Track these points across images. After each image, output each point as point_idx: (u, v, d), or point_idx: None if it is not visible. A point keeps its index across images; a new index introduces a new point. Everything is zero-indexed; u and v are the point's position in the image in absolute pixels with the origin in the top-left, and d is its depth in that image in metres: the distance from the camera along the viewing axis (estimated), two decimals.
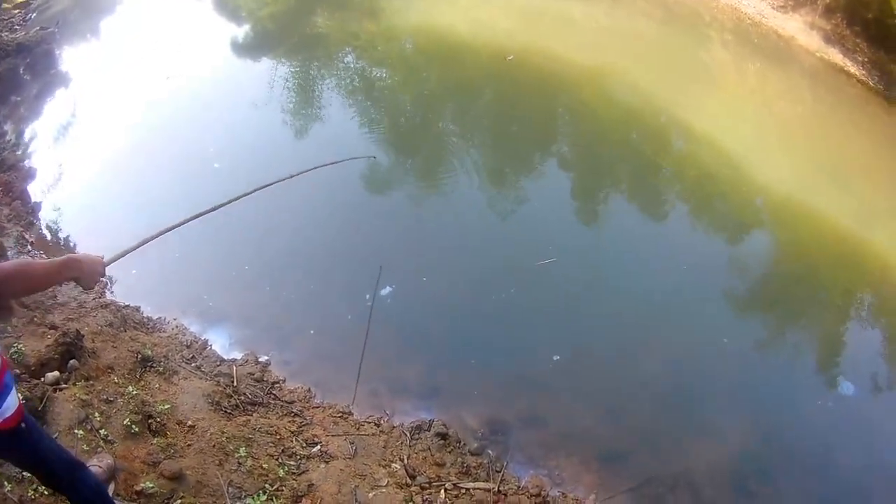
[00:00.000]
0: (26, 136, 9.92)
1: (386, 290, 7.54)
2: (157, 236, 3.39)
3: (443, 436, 5.97)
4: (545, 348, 7.23)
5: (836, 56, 15.44)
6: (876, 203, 11.53)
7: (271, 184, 4.45)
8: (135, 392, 5.04)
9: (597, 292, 8.22)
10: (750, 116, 13.58)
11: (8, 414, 2.71)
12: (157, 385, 5.45)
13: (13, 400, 2.76)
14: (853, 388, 7.63)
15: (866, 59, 15.17)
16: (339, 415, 6.06)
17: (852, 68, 15.17)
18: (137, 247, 3.20)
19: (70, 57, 12.14)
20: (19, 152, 9.44)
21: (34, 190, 8.70)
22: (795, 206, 10.67)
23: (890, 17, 14.43)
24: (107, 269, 2.89)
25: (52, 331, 5.44)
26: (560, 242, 8.74)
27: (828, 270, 9.66)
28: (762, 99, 14.64)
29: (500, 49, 13.44)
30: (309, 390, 6.36)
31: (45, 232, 8.01)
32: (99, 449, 4.32)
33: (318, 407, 6.17)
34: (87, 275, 2.74)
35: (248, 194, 4.17)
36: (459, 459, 5.80)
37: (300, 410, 5.97)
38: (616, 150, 11.68)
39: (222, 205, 3.87)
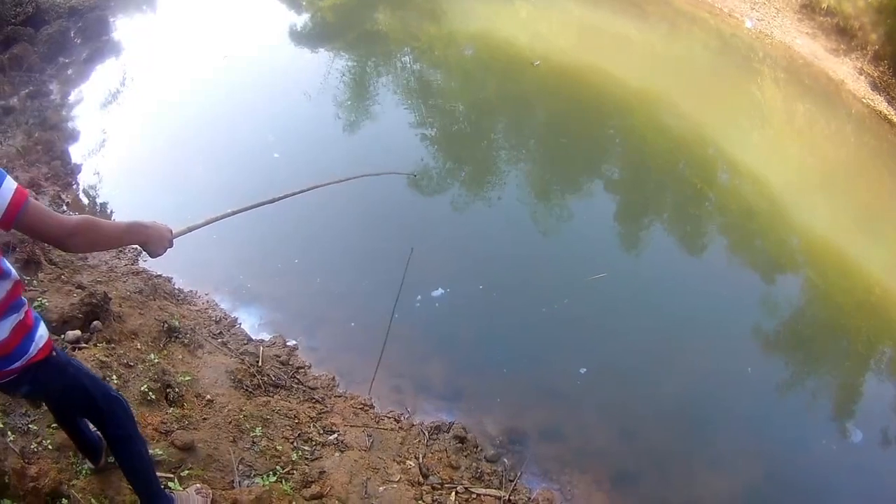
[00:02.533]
0: (72, 98, 9.99)
1: (438, 292, 7.58)
2: (228, 215, 3.52)
3: (461, 439, 5.92)
4: (573, 361, 7.21)
5: (881, 104, 15.23)
6: None
7: (322, 185, 4.75)
8: (156, 360, 5.05)
9: (629, 313, 8.16)
10: (794, 156, 13.45)
11: (42, 343, 2.75)
12: (179, 356, 5.47)
13: (44, 329, 2.81)
14: (861, 435, 7.52)
15: None
16: (361, 406, 6.05)
17: (895, 117, 15.00)
18: (206, 224, 3.33)
19: (123, 25, 12.26)
20: (63, 113, 9.50)
21: (75, 152, 8.77)
22: (828, 250, 10.52)
23: None
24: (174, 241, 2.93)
25: (78, 290, 5.43)
26: (599, 261, 8.69)
27: (852, 318, 9.50)
28: (808, 140, 14.49)
29: (557, 64, 13.47)
30: (333, 379, 6.38)
31: (83, 196, 8.07)
32: None
33: (340, 396, 6.17)
34: (154, 242, 2.80)
35: (300, 192, 4.31)
36: (474, 464, 5.75)
37: (322, 398, 5.98)
38: (662, 177, 11.62)
39: (280, 198, 4.01)
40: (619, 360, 7.50)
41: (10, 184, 2.33)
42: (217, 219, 3.43)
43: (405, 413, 6.23)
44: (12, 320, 2.61)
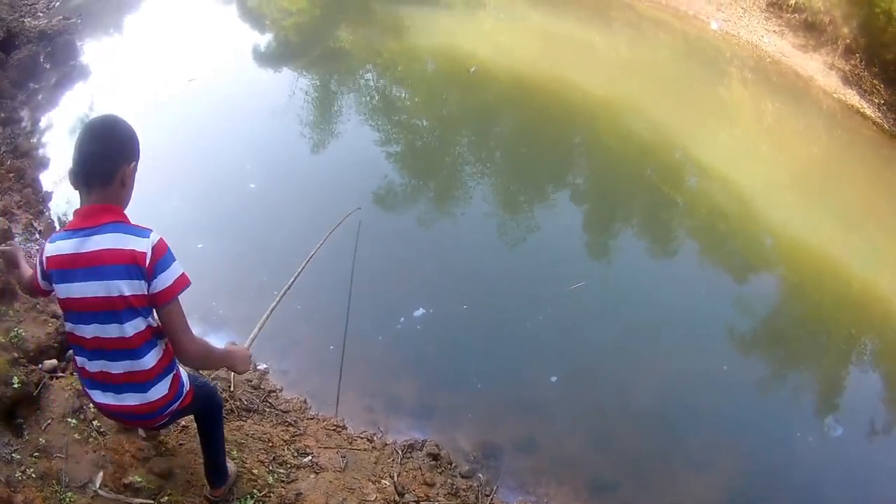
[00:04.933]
0: (42, 124, 9.95)
1: (419, 312, 7.61)
2: (276, 305, 4.56)
3: (434, 456, 5.92)
4: (545, 370, 7.23)
5: (853, 98, 15.41)
6: (884, 248, 11.45)
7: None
8: None
9: (603, 320, 8.22)
10: (764, 155, 13.55)
11: (187, 388, 3.33)
12: None
13: (185, 376, 3.34)
14: (841, 430, 7.59)
15: (883, 102, 15.11)
16: (333, 428, 6.01)
17: (868, 110, 15.13)
18: (266, 319, 4.28)
19: (91, 49, 12.22)
20: (34, 140, 9.46)
21: (46, 179, 8.73)
22: (803, 247, 10.63)
23: None
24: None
25: (53, 319, 5.42)
26: (572, 271, 8.75)
27: (831, 312, 9.61)
28: (778, 137, 14.60)
29: (521, 75, 13.56)
30: (305, 401, 6.33)
31: (55, 222, 8.03)
32: (90, 440, 4.27)
33: (312, 418, 6.13)
34: (239, 365, 3.46)
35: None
36: (449, 481, 5.74)
37: (294, 420, 5.94)
38: (631, 184, 11.67)
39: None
40: (593, 366, 7.53)
41: (178, 268, 2.88)
42: (271, 311, 4.43)
43: (378, 432, 6.19)
44: (170, 378, 3.14)
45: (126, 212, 2.90)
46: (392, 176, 10.39)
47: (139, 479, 4.15)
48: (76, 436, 4.24)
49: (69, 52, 11.68)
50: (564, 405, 6.95)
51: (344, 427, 6.13)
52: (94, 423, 4.43)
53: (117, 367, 2.96)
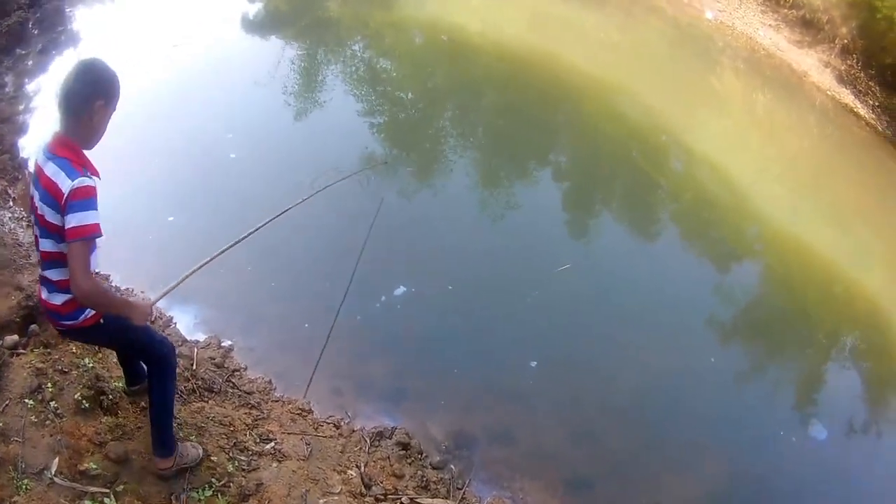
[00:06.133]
0: (27, 90, 9.65)
1: (400, 291, 7.34)
2: (197, 269, 4.27)
3: (404, 445, 5.66)
4: (523, 356, 7.00)
5: (847, 97, 15.34)
6: (871, 246, 11.46)
7: (295, 205, 5.32)
8: (91, 365, 4.83)
9: (586, 306, 8.06)
10: (754, 146, 13.49)
11: (89, 315, 3.63)
12: (114, 360, 5.18)
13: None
14: (825, 431, 7.47)
15: (877, 104, 15.10)
16: (298, 412, 5.74)
17: (862, 111, 15.07)
18: (178, 284, 4.11)
19: (79, 15, 11.89)
20: (17, 106, 9.19)
21: (25, 145, 8.43)
22: (789, 240, 10.57)
23: None
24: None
25: (17, 291, 5.32)
26: (556, 253, 8.59)
27: (815, 308, 9.55)
28: (768, 130, 14.56)
29: (508, 51, 13.37)
30: (270, 382, 6.02)
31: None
32: (47, 422, 4.18)
33: (277, 401, 5.84)
34: (139, 316, 3.61)
35: (274, 218, 4.95)
36: (420, 472, 5.50)
37: (258, 403, 5.66)
38: (617, 166, 11.52)
39: (253, 230, 4.69)
40: (574, 353, 7.33)
41: (94, 218, 3.21)
42: (188, 276, 4.18)
43: (345, 418, 5.90)
44: (69, 296, 3.47)
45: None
46: (375, 147, 10.12)
47: (94, 466, 4.07)
48: (33, 418, 4.16)
49: (57, 18, 11.41)
50: (543, 394, 6.72)
51: (310, 411, 5.84)
52: (52, 403, 4.32)
53: (44, 270, 3.52)
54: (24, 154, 8.20)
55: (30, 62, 10.31)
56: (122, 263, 6.61)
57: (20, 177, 7.81)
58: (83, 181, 3.18)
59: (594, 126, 12.27)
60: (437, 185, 9.85)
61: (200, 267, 4.25)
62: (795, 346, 9.07)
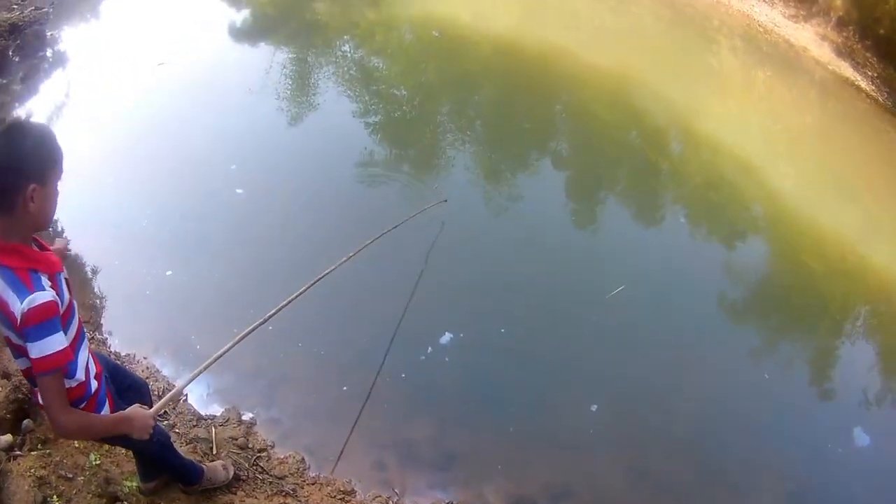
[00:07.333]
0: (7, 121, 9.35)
1: (446, 338, 6.63)
2: (204, 369, 3.62)
3: None
4: (583, 399, 6.51)
5: (846, 70, 15.26)
6: (879, 219, 11.46)
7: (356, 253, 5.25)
8: (97, 462, 4.27)
9: (639, 332, 7.55)
10: (756, 124, 13.42)
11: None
12: (122, 450, 4.53)
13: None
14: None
15: (876, 75, 15.05)
16: (340, 495, 5.16)
17: (862, 83, 15.02)
18: (179, 391, 3.86)
19: (61, 39, 11.52)
20: None
21: None
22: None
23: None
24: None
25: (2, 380, 4.56)
26: (603, 274, 8.17)
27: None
28: (769, 107, 14.47)
29: (500, 43, 13.16)
30: (302, 460, 5.39)
31: None
32: None
33: (313, 483, 5.22)
34: (138, 430, 3.06)
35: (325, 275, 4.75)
36: None
37: (292, 489, 5.05)
38: (617, 153, 11.38)
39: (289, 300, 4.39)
40: (634, 388, 6.85)
41: (57, 344, 2.61)
42: (199, 372, 3.64)
43: (393, 496, 5.33)
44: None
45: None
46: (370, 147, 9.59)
47: None
48: None
49: (38, 43, 11.08)
50: (605, 440, 6.29)
51: (352, 492, 5.29)
52: None
53: (31, 383, 3.13)
54: None
55: (13, 90, 10.02)
56: (120, 321, 6.10)
57: None
58: (34, 299, 2.54)
59: (593, 113, 12.11)
60: (483, 217, 8.96)
61: (220, 355, 3.71)
62: (846, 359, 8.72)
